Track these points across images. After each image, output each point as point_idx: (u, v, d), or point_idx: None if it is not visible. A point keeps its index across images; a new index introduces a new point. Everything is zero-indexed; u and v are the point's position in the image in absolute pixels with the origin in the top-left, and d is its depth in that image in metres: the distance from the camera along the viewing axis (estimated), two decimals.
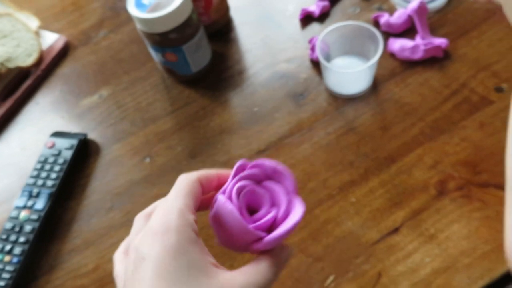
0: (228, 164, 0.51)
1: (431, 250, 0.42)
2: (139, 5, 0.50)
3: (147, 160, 0.53)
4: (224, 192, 0.29)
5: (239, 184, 0.29)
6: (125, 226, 0.49)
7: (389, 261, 0.42)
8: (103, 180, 0.53)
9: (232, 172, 0.30)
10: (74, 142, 0.54)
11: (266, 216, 0.29)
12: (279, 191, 0.30)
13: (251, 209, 0.30)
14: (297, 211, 0.28)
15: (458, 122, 0.48)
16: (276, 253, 0.28)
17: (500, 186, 0.44)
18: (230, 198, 0.29)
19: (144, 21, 0.50)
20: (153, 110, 0.58)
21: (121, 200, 0.51)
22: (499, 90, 0.49)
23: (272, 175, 0.31)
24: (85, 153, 0.55)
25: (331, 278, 0.42)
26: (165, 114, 0.57)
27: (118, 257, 0.31)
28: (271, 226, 0.29)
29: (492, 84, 0.50)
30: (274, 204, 0.30)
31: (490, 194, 0.43)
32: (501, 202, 0.43)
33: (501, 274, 0.39)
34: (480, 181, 0.44)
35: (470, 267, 0.40)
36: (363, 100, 0.52)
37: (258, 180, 0.30)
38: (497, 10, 0.56)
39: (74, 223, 0.50)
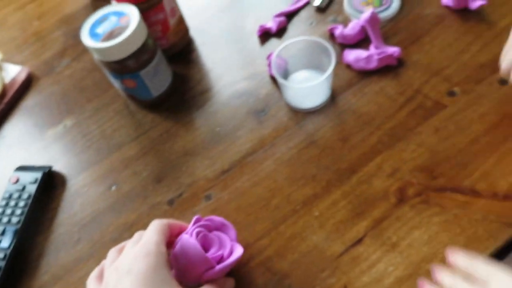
0: (193, 186, 0.51)
1: (394, 259, 0.42)
2: (93, 34, 0.51)
3: (113, 188, 0.53)
4: (186, 233, 0.40)
5: (197, 229, 0.40)
6: (93, 257, 0.49)
7: (354, 273, 0.42)
8: (70, 212, 0.52)
9: (192, 222, 0.41)
10: (38, 175, 0.53)
11: (216, 253, 0.39)
12: (225, 238, 0.41)
13: (204, 248, 0.40)
14: (238, 251, 0.40)
15: (413, 128, 0.49)
16: (222, 282, 0.39)
17: (456, 190, 0.44)
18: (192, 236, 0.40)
19: (99, 50, 0.50)
20: (117, 137, 0.58)
21: (88, 231, 0.51)
22: (451, 94, 0.50)
23: (220, 227, 0.43)
24: (50, 185, 0.55)
25: None
26: (130, 139, 0.57)
27: (92, 280, 0.38)
28: (219, 262, 0.39)
29: (445, 89, 0.51)
30: (221, 247, 0.41)
31: (447, 198, 0.44)
32: (458, 205, 0.44)
33: None
34: (437, 186, 0.45)
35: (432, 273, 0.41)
36: (323, 112, 0.53)
37: (209, 229, 0.42)
38: (446, 16, 0.57)
39: (42, 259, 0.50)
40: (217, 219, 0.42)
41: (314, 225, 0.46)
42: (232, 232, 0.42)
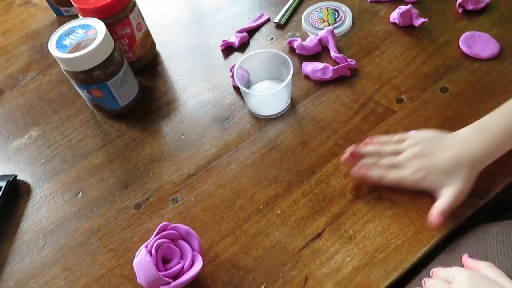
0: (159, 190, 0.53)
1: (350, 250, 0.45)
2: (61, 46, 0.52)
3: (79, 195, 0.54)
4: (147, 246, 0.42)
5: (158, 241, 0.42)
6: (58, 262, 0.49)
7: (314, 265, 0.45)
8: (35, 219, 0.53)
9: (156, 230, 0.43)
10: (2, 184, 0.53)
11: (175, 266, 0.42)
12: (187, 249, 0.43)
13: (166, 258, 0.43)
14: (197, 266, 0.42)
15: (367, 132, 0.53)
16: None
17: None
18: (150, 251, 0.42)
19: (67, 60, 0.52)
20: (84, 146, 0.59)
21: (53, 237, 0.51)
22: (399, 101, 0.55)
23: (185, 235, 0.44)
24: (15, 194, 0.55)
25: (262, 287, 0.44)
26: (96, 148, 0.58)
27: None
28: (179, 274, 0.42)
29: (394, 96, 0.56)
30: (182, 257, 0.43)
31: (398, 194, 0.48)
32: (407, 200, 0.47)
33: (411, 265, 0.43)
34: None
35: (385, 261, 0.44)
36: (283, 119, 0.56)
37: (174, 238, 0.44)
38: (394, 32, 0.62)
39: (7, 265, 0.49)
40: (183, 227, 0.44)
41: (276, 222, 0.48)
42: (196, 242, 0.44)
